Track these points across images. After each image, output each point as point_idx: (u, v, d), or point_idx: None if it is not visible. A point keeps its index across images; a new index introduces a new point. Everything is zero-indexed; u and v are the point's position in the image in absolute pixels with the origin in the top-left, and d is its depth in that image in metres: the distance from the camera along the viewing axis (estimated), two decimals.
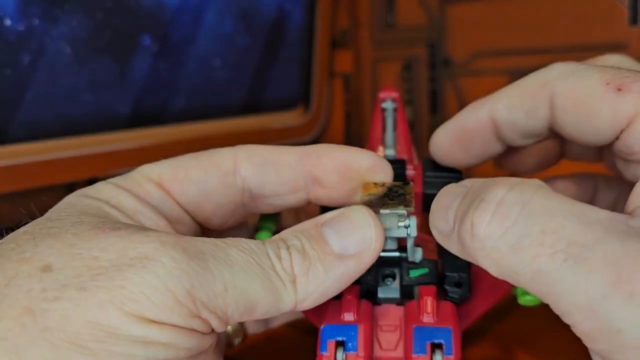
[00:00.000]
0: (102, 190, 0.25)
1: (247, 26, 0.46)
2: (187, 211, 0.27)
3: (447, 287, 0.26)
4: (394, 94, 0.32)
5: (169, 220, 0.26)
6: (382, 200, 0.24)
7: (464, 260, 0.23)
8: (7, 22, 0.34)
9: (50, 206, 0.25)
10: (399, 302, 0.26)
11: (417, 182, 0.29)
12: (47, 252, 0.20)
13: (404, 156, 0.31)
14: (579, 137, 0.25)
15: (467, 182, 0.24)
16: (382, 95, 0.32)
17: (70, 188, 0.37)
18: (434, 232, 0.24)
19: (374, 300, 0.26)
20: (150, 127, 0.41)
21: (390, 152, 0.31)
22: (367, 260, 0.23)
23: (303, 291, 0.22)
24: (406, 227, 0.25)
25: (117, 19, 0.38)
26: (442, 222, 0.23)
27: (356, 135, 0.57)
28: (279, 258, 0.22)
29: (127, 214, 0.24)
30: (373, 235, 0.23)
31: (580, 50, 0.42)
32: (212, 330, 0.21)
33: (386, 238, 0.24)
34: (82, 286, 0.19)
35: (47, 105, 0.36)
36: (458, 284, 0.26)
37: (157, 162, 0.27)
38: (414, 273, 0.26)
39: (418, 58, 0.52)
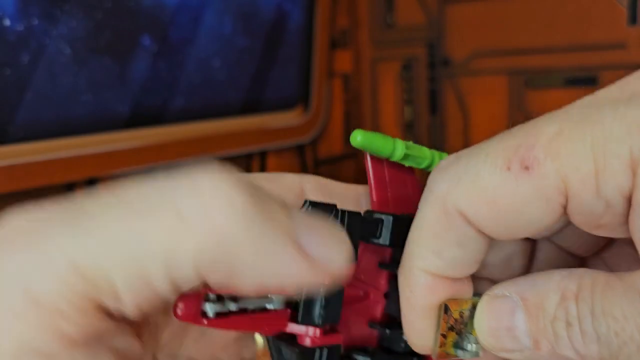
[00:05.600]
0: None
1: (246, 26, 0.46)
2: None
3: None
4: None
5: None
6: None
7: None
8: (7, 22, 0.34)
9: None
10: None
11: None
12: None
13: None
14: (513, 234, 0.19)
15: (506, 291, 0.19)
16: None
17: (70, 188, 0.38)
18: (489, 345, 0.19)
19: None
20: (149, 127, 0.41)
21: None
22: (325, 277, 0.17)
23: (216, 236, 0.15)
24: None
25: (116, 19, 0.38)
26: (508, 342, 0.18)
27: None
28: (194, 194, 0.16)
29: None
30: (342, 256, 0.17)
31: (580, 50, 0.43)
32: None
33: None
34: None
35: (46, 105, 0.36)
36: None
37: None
38: None
39: (417, 58, 0.52)
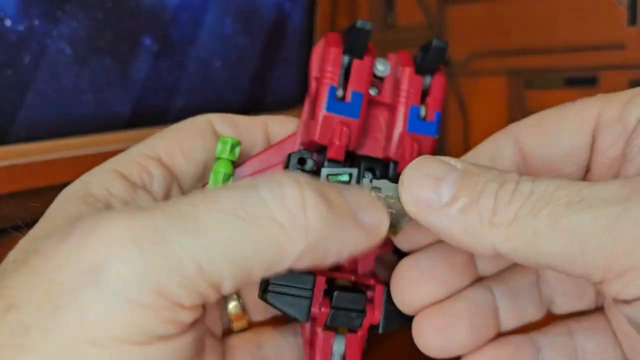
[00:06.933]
0: (92, 183, 0.24)
1: (246, 27, 0.46)
2: (178, 181, 0.26)
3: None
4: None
5: (164, 197, 0.25)
6: None
7: None
8: (8, 22, 0.34)
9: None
10: None
11: None
12: (12, 285, 0.18)
13: None
14: None
15: (453, 162, 0.21)
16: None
17: None
18: (408, 199, 0.21)
19: None
20: (150, 127, 0.41)
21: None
22: (377, 238, 0.21)
23: (312, 237, 0.19)
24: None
25: (117, 19, 0.39)
26: (428, 191, 0.20)
27: None
28: (280, 198, 0.18)
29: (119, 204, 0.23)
30: (384, 219, 0.21)
31: (579, 51, 0.43)
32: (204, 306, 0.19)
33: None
34: (45, 326, 0.17)
35: (47, 106, 0.36)
36: None
37: (153, 138, 0.26)
38: None
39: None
